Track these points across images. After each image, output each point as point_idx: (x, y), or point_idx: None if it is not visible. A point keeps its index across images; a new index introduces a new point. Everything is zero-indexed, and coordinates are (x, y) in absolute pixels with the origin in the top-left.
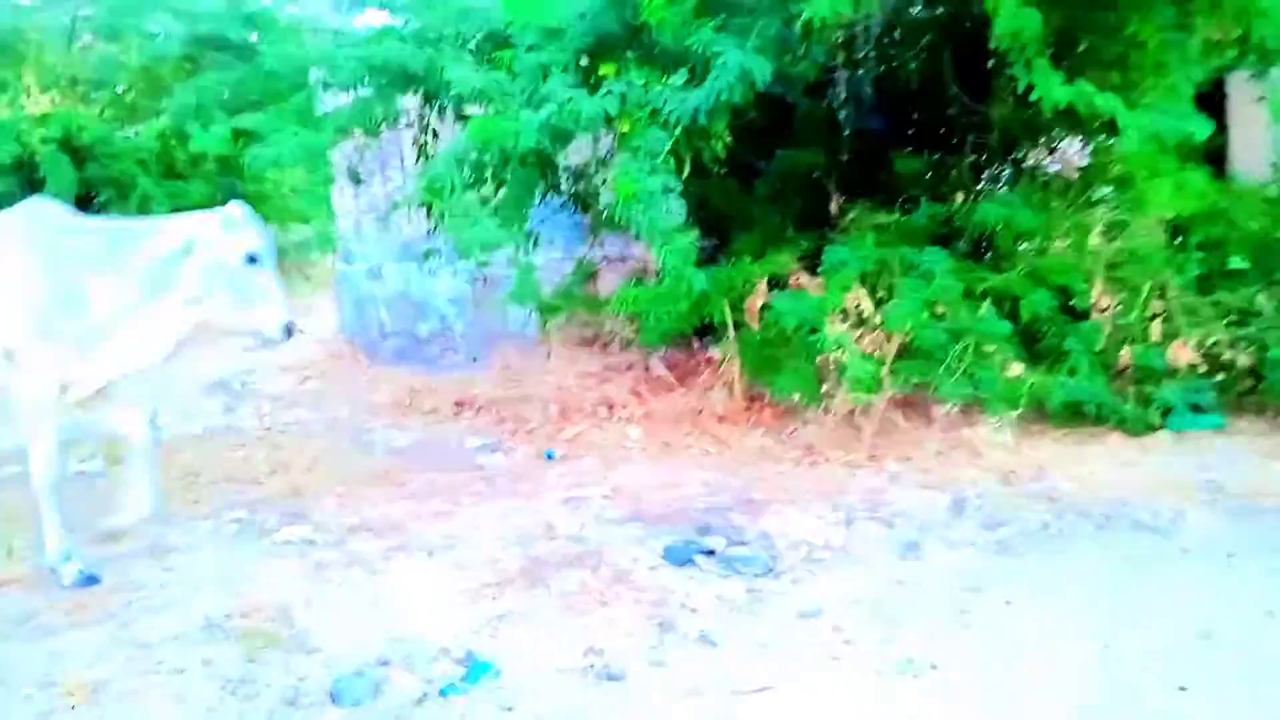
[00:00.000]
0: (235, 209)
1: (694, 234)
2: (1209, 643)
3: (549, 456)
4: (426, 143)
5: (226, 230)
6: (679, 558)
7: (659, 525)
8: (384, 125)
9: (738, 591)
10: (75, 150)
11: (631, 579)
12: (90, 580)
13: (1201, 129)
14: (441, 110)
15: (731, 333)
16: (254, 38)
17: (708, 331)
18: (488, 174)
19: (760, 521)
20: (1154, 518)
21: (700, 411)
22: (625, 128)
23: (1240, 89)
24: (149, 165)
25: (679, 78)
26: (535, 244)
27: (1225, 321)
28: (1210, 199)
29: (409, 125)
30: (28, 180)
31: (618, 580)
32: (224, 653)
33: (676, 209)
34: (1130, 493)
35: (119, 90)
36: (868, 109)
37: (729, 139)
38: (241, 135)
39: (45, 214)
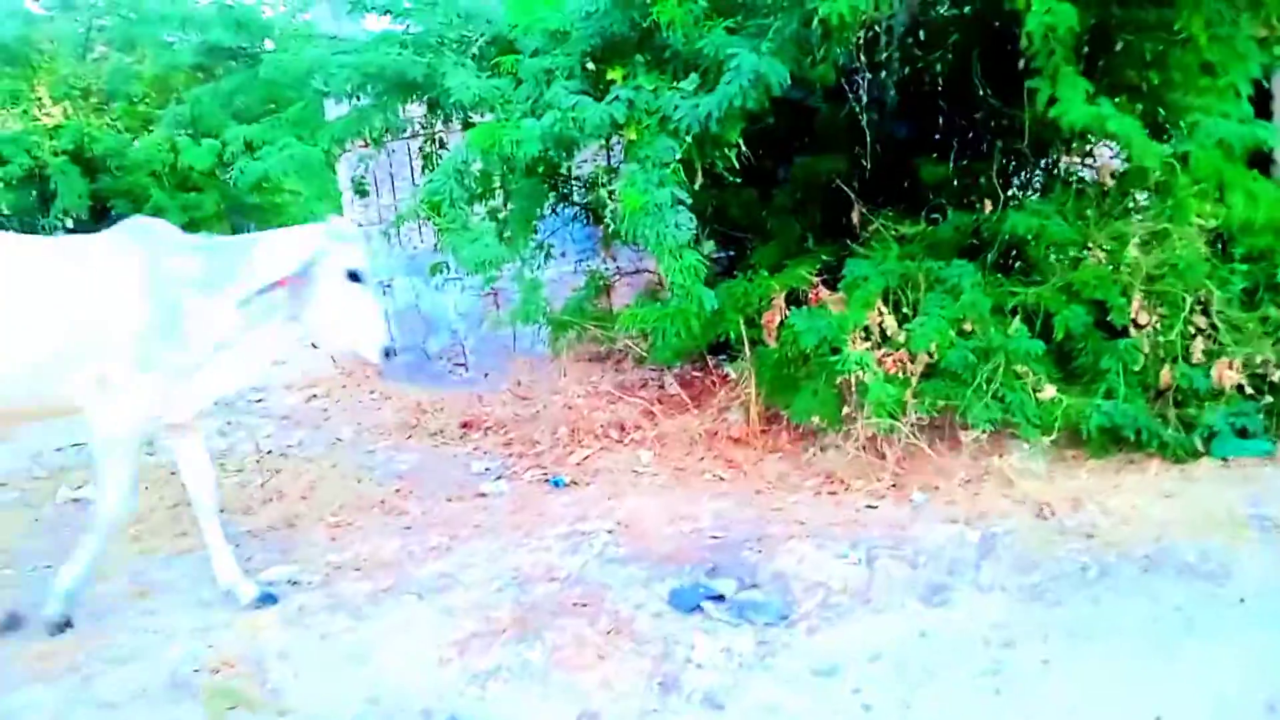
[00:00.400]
0: (339, 223)
1: (708, 247)
2: (1277, 716)
3: (556, 484)
4: (432, 153)
5: (330, 245)
6: (686, 603)
7: (666, 565)
8: (387, 136)
9: (747, 644)
10: (87, 162)
11: (633, 628)
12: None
13: (1272, 136)
14: (447, 119)
15: (747, 351)
16: (269, 45)
17: (723, 349)
18: (495, 185)
19: (775, 560)
20: (1203, 560)
21: (715, 434)
22: (633, 135)
23: None
24: (162, 177)
25: (690, 82)
26: (547, 257)
27: (1273, 339)
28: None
29: (415, 136)
30: (39, 193)
31: (618, 630)
32: (188, 714)
33: (686, 222)
34: (1176, 529)
35: (132, 101)
36: (891, 113)
37: (744, 146)
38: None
39: (149, 233)
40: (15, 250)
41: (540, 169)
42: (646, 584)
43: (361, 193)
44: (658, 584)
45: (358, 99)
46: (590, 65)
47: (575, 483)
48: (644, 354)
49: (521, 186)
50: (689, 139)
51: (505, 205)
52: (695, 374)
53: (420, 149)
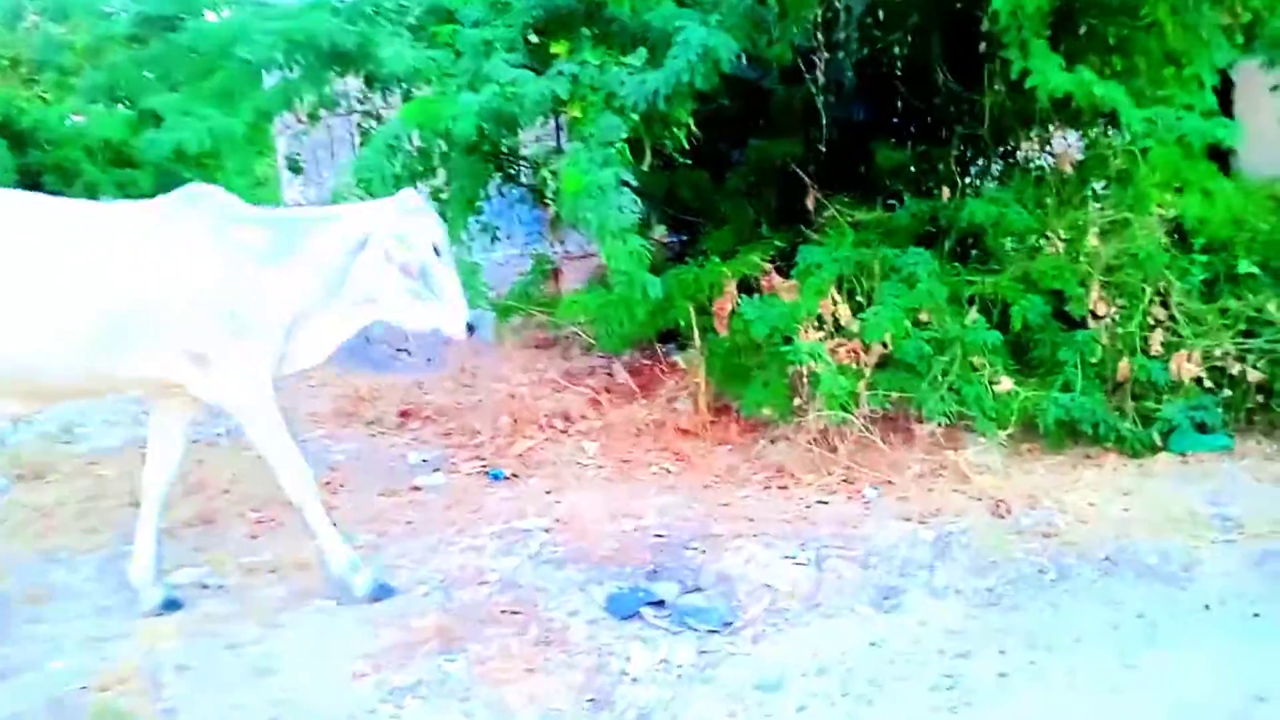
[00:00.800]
0: (412, 196)
1: (659, 230)
2: None
3: (495, 477)
4: (369, 130)
5: (405, 219)
6: (624, 610)
7: (605, 567)
8: (320, 109)
9: (688, 654)
10: (16, 135)
11: (566, 638)
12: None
13: (1231, 134)
14: (385, 93)
15: (697, 339)
16: (210, 17)
17: (674, 337)
18: (435, 164)
19: (720, 561)
20: (1165, 562)
21: (663, 425)
22: (577, 113)
23: (1249, 79)
24: (95, 152)
25: (638, 58)
26: (493, 239)
27: (1232, 332)
28: (1239, 208)
29: (354, 112)
30: None
31: (549, 640)
32: None
33: (631, 205)
34: (1135, 529)
35: (64, 72)
36: (848, 96)
37: (695, 127)
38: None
39: (210, 201)
40: (62, 217)
41: (485, 147)
42: (583, 588)
43: (295, 169)
44: (595, 588)
45: (290, 70)
46: (533, 38)
47: (515, 476)
48: (592, 341)
49: (461, 165)
50: (636, 117)
51: (447, 185)
52: (645, 362)
53: (358, 125)
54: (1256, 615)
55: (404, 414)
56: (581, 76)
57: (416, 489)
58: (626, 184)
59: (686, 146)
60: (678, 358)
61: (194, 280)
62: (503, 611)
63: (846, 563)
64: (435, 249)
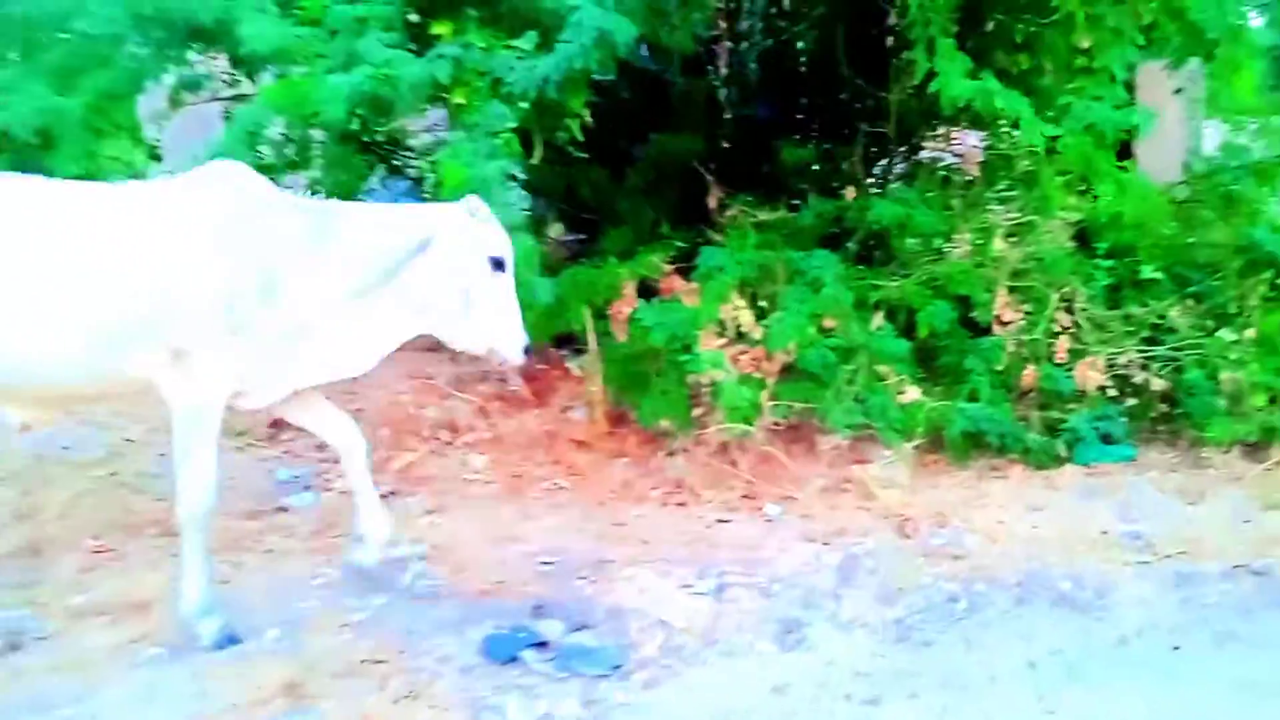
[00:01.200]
0: (478, 203)
1: (556, 229)
2: None
3: None
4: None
5: (473, 227)
6: (502, 653)
7: (484, 602)
8: (183, 93)
9: (572, 705)
10: None
11: (434, 691)
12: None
13: (1146, 122)
14: (252, 75)
15: (594, 345)
16: None
17: (571, 341)
18: (313, 154)
19: (612, 592)
20: (1078, 588)
21: (557, 436)
22: (460, 99)
23: (1150, 81)
24: None
25: (527, 41)
26: None
27: (1136, 339)
28: (1153, 202)
29: (218, 98)
30: None
31: (415, 694)
32: None
33: (518, 201)
34: (1047, 551)
35: None
36: (752, 91)
37: (592, 120)
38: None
39: (239, 182)
40: (70, 198)
41: (365, 136)
42: (459, 629)
43: (154, 158)
44: (472, 628)
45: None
46: (414, 17)
47: (394, 493)
48: None
49: (337, 155)
50: (525, 106)
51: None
52: (541, 367)
53: (224, 112)
54: (1176, 648)
55: (275, 424)
56: (466, 60)
57: (282, 510)
58: (515, 178)
59: (581, 139)
60: (573, 364)
61: (196, 268)
62: (363, 661)
63: (747, 591)
64: (500, 264)
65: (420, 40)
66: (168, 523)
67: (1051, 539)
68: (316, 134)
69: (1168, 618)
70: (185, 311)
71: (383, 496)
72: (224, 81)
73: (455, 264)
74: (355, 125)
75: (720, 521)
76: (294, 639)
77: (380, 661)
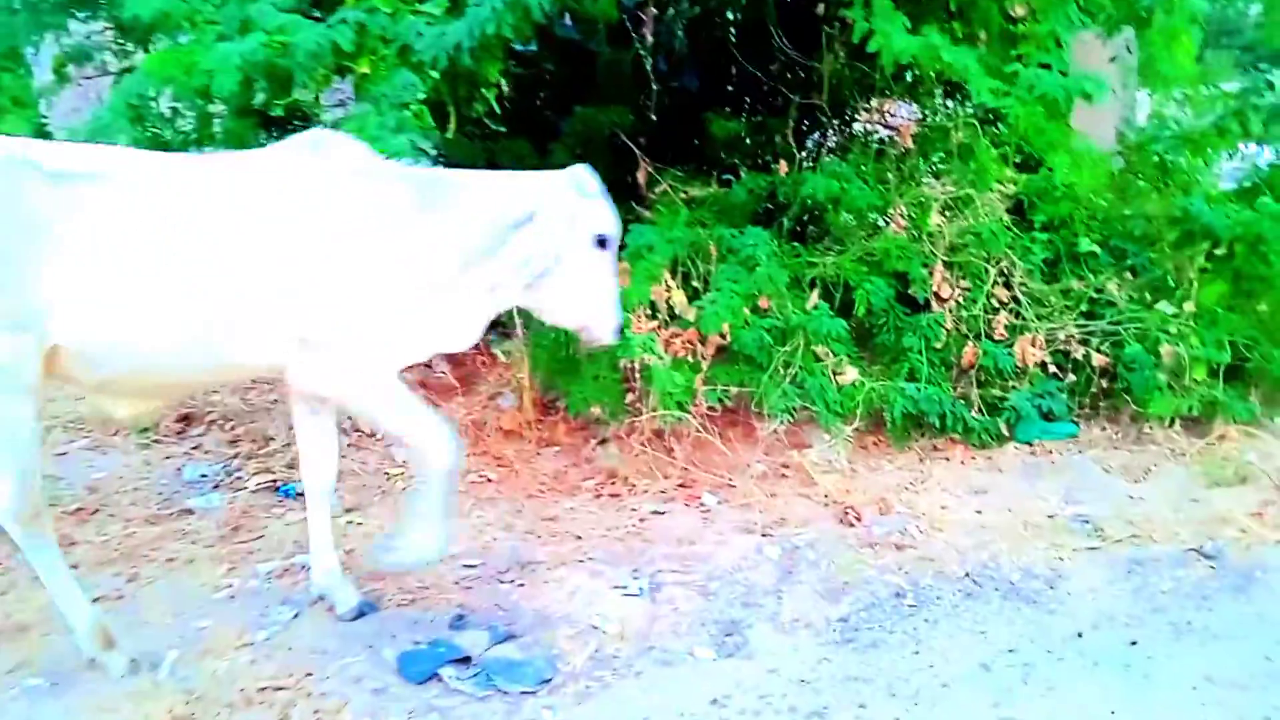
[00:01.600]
0: (586, 176)
1: None
2: None
3: (286, 493)
4: None
5: (577, 201)
6: (419, 672)
7: (400, 614)
8: (67, 65)
9: None
10: None
11: (341, 719)
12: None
13: (1097, 88)
14: (146, 43)
15: (521, 329)
16: None
17: (499, 325)
18: (213, 129)
19: (540, 596)
20: (1028, 578)
21: (484, 425)
22: (365, 69)
23: (1083, 50)
24: None
25: (437, 5)
26: None
27: (1075, 313)
28: (1102, 173)
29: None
30: None
31: None
32: None
33: None
34: (994, 538)
35: None
36: (680, 61)
37: (512, 90)
38: None
39: (341, 151)
40: (174, 170)
41: (272, 110)
42: (372, 645)
43: (42, 135)
44: (387, 644)
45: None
46: None
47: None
48: None
49: (235, 130)
50: (436, 75)
51: None
52: (469, 351)
53: (114, 84)
54: (1134, 643)
55: (185, 418)
56: (371, 26)
57: (189, 513)
58: (426, 153)
59: (498, 110)
60: (499, 350)
61: (329, 244)
62: (263, 688)
63: (684, 591)
64: (603, 241)
65: (323, 5)
66: (64, 528)
67: (998, 524)
68: (219, 107)
69: (1122, 608)
70: (309, 293)
71: (299, 495)
72: (113, 53)
73: (558, 238)
74: (259, 98)
75: (655, 514)
76: (188, 664)
77: (280, 687)
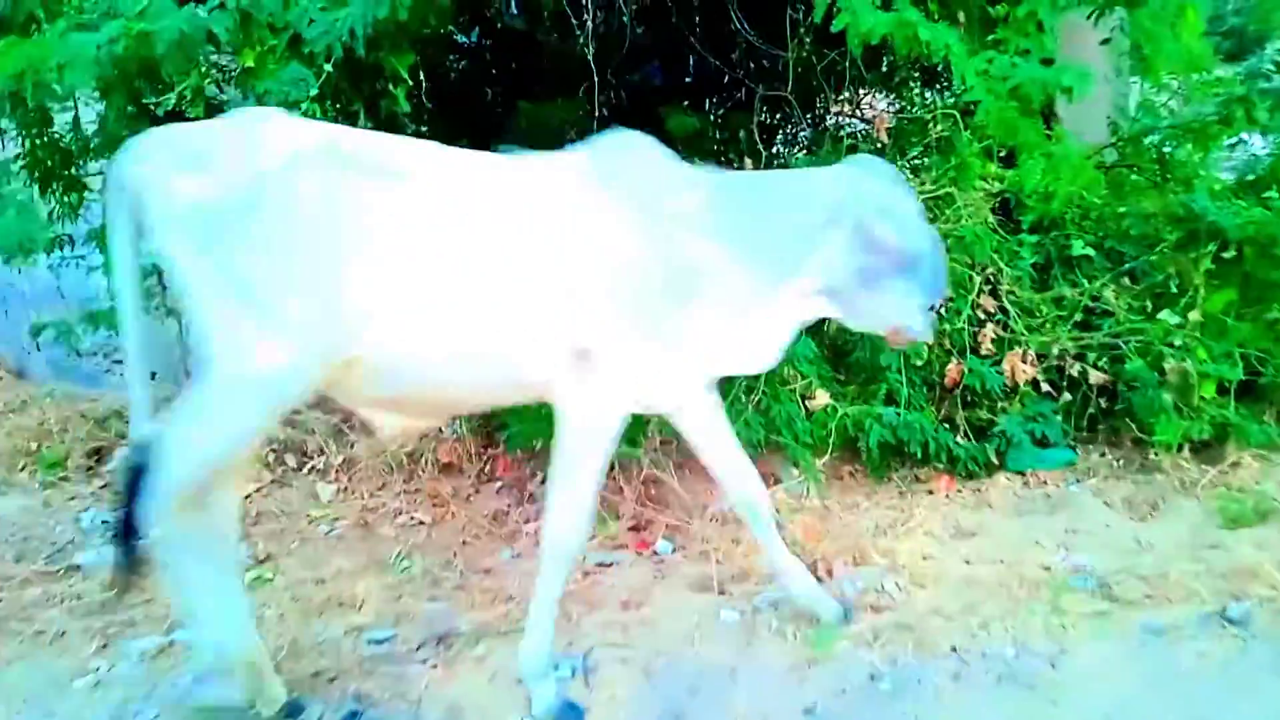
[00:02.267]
0: (876, 162)
1: None
2: None
3: None
4: None
5: (888, 189)
6: None
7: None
8: None
9: None
10: None
11: None
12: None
13: (1080, 81)
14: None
15: None
16: None
17: None
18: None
19: (455, 680)
20: (1026, 655)
21: (419, 459)
22: (249, 62)
23: (1073, 35)
24: None
25: None
26: None
27: (1069, 325)
28: (1084, 173)
29: None
30: None
31: None
32: None
33: None
34: (984, 597)
35: None
36: (634, 51)
37: (423, 83)
38: None
39: (645, 157)
40: (472, 170)
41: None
42: None
43: None
44: None
45: None
46: None
47: None
48: None
49: (116, 132)
50: (330, 68)
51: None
52: None
53: None
54: None
55: (95, 454)
56: (257, 12)
57: (75, 569)
58: None
59: (407, 108)
60: None
61: (626, 257)
62: None
63: (625, 671)
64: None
65: None
66: None
67: (989, 580)
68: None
69: (1138, 697)
70: (588, 303)
71: None
72: None
73: (868, 238)
74: (150, 96)
75: (601, 565)
76: None
77: None
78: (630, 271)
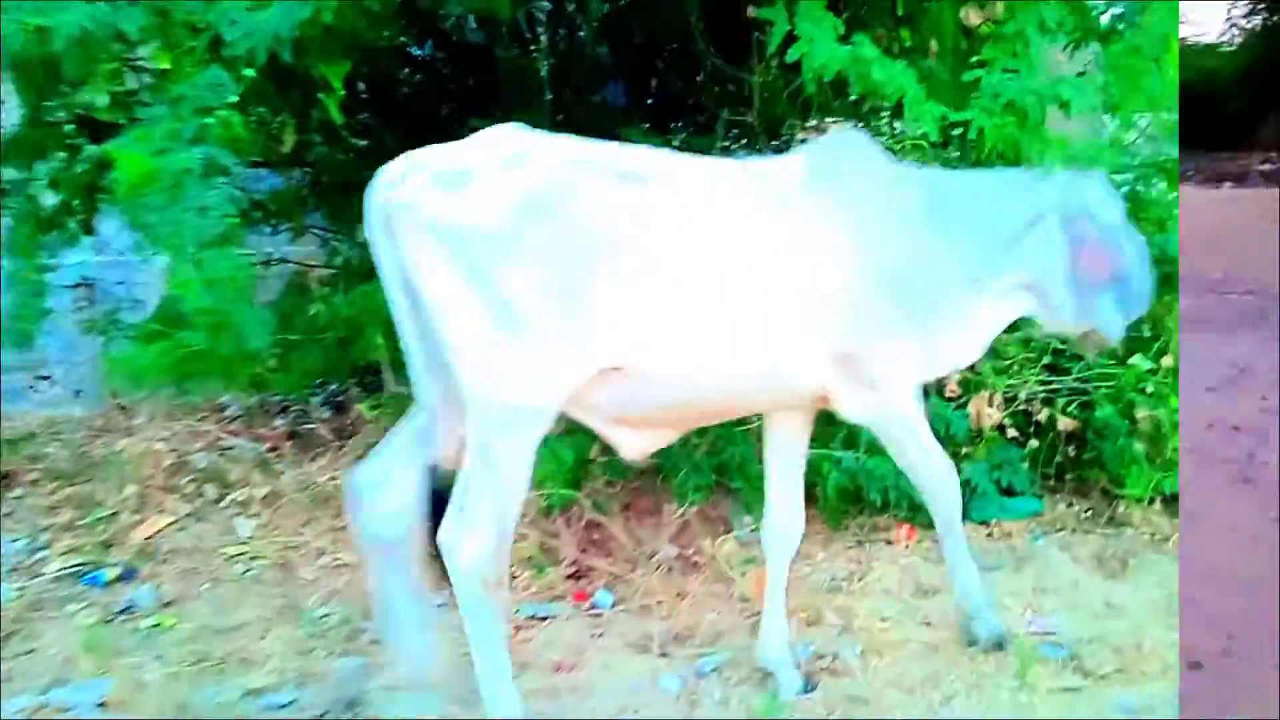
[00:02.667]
0: (1098, 175)
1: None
2: None
3: (93, 582)
4: None
5: (1098, 191)
6: None
7: None
8: None
9: None
10: None
11: None
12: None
13: (1079, 95)
14: None
15: (392, 381)
16: None
17: (370, 371)
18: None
19: None
20: None
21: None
22: (166, 64)
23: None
24: None
25: None
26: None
27: (1037, 367)
28: None
29: None
30: None
31: None
32: None
33: (221, 204)
34: (946, 667)
35: None
36: (593, 69)
37: (369, 93)
38: None
39: (863, 155)
40: (716, 175)
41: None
42: None
43: None
44: None
45: None
46: None
47: (123, 578)
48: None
49: (26, 141)
50: (252, 73)
51: None
52: (342, 400)
53: None
54: None
55: (5, 476)
56: (175, 10)
57: None
58: (224, 171)
59: (339, 121)
60: (364, 405)
61: (851, 259)
62: None
63: None
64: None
65: None
66: None
67: (951, 646)
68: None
69: None
70: (843, 307)
71: (108, 584)
72: None
73: (1085, 233)
74: (54, 100)
75: (535, 619)
76: None
77: None
78: (870, 273)
